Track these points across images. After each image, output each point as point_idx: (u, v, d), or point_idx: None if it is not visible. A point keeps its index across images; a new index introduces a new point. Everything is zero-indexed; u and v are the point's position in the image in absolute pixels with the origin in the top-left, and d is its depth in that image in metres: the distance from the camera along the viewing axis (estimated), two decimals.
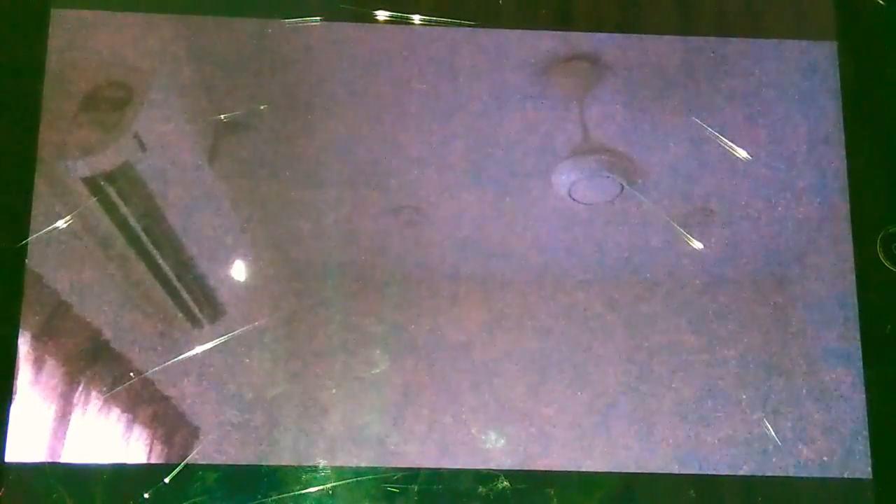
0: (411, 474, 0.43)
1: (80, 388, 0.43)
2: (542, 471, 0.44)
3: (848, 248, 0.47)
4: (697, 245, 0.47)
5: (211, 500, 0.43)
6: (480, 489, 0.43)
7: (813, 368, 0.45)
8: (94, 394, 0.43)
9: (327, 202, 0.46)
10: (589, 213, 0.47)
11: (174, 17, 0.48)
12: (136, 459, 0.43)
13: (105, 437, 0.43)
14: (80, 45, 0.47)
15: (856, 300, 0.46)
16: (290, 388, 0.44)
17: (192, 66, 0.47)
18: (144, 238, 0.45)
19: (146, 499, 0.42)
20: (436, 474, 0.43)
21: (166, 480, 0.43)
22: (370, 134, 0.47)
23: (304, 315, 0.45)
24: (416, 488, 0.43)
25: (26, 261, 0.44)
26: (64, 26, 0.47)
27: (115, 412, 0.43)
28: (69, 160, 0.45)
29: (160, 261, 0.45)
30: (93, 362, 0.44)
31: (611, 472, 0.44)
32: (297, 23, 0.48)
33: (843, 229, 0.47)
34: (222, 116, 0.47)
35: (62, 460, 0.43)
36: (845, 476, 0.44)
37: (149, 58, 0.47)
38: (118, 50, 0.47)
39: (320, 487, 0.43)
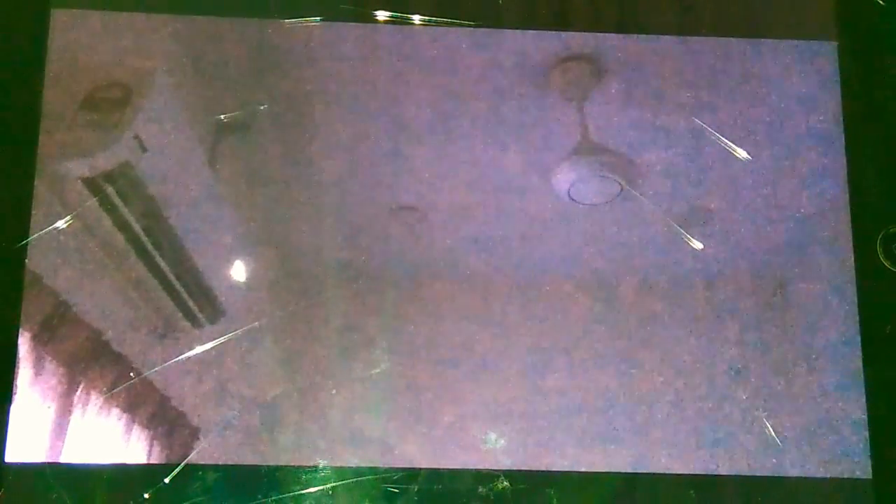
0: (411, 474, 0.43)
1: (80, 388, 0.43)
2: (542, 471, 0.44)
3: (848, 248, 0.47)
4: (697, 245, 0.47)
5: (211, 500, 0.43)
6: (480, 489, 0.43)
7: (813, 368, 0.45)
8: (94, 394, 0.43)
9: (327, 202, 0.46)
10: (589, 214, 0.47)
11: (174, 17, 0.48)
12: (136, 459, 0.43)
13: (105, 437, 0.43)
14: (80, 45, 0.47)
15: (856, 300, 0.46)
16: (290, 388, 0.44)
17: (192, 66, 0.47)
18: (144, 238, 0.45)
19: (146, 499, 0.42)
20: (436, 474, 0.43)
21: (166, 480, 0.43)
22: (370, 134, 0.47)
23: (304, 315, 0.45)
24: (416, 488, 0.43)
25: (26, 261, 0.44)
26: (64, 26, 0.47)
27: (115, 412, 0.43)
28: (69, 160, 0.45)
29: (160, 261, 0.45)
30: (93, 362, 0.44)
31: (611, 472, 0.44)
32: (297, 23, 0.48)
33: (843, 229, 0.47)
34: (222, 116, 0.47)
35: (62, 460, 0.43)
36: (845, 476, 0.44)
37: (149, 58, 0.47)
38: (118, 50, 0.47)
39: (320, 487, 0.43)
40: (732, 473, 0.44)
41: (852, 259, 0.46)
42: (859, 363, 0.45)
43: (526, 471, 0.44)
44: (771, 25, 0.49)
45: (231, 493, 0.43)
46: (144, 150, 0.46)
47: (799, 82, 0.48)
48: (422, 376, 0.45)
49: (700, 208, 0.47)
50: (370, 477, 0.43)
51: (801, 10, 0.49)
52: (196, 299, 0.45)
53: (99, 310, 0.44)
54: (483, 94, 0.48)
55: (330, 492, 0.43)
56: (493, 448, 0.44)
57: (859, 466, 0.44)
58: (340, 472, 0.43)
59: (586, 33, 0.49)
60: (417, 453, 0.44)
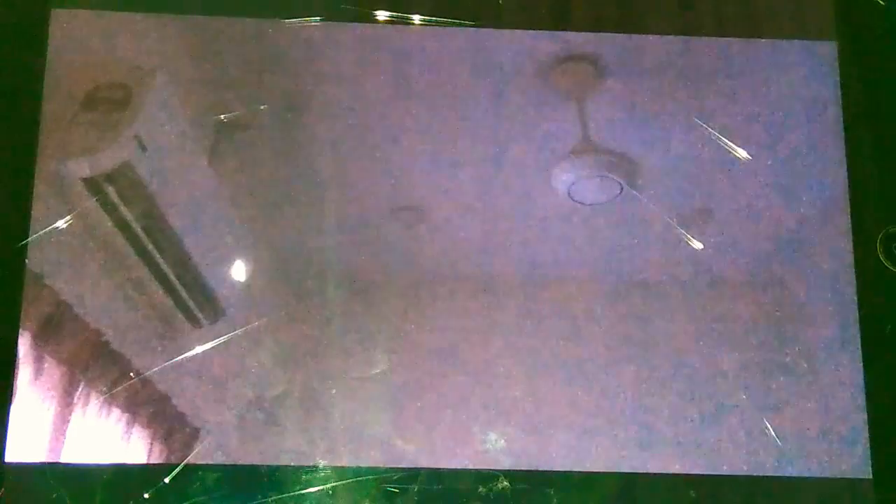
0: (411, 474, 0.43)
1: (80, 388, 0.43)
2: (542, 471, 0.44)
3: (848, 248, 0.47)
4: (697, 245, 0.47)
5: (211, 500, 0.43)
6: (480, 489, 0.43)
7: (813, 368, 0.45)
8: (94, 394, 0.43)
9: (327, 202, 0.46)
10: (589, 213, 0.47)
11: (174, 16, 0.48)
12: (136, 459, 0.43)
13: (105, 437, 0.43)
14: (80, 45, 0.47)
15: (856, 300, 0.46)
16: (290, 388, 0.44)
17: (193, 66, 0.47)
18: (144, 238, 0.45)
19: (146, 499, 0.42)
20: (436, 474, 0.43)
21: (166, 480, 0.43)
22: (370, 134, 0.47)
23: (304, 315, 0.45)
24: (416, 488, 0.43)
25: (26, 261, 0.44)
26: (64, 26, 0.47)
27: (115, 412, 0.43)
28: (69, 160, 0.45)
29: (160, 261, 0.45)
30: (93, 362, 0.44)
31: (611, 472, 0.44)
32: (297, 23, 0.48)
33: (843, 229, 0.47)
34: (222, 116, 0.47)
35: (62, 460, 0.43)
36: (845, 476, 0.44)
37: (149, 58, 0.47)
38: (118, 50, 0.47)
39: (320, 487, 0.43)
40: (732, 473, 0.44)
41: (852, 259, 0.46)
42: (859, 363, 0.45)
43: (526, 471, 0.44)
44: (771, 25, 0.49)
45: (231, 493, 0.43)
46: (144, 150, 0.46)
47: (799, 82, 0.48)
48: (422, 376, 0.45)
49: (700, 208, 0.47)
50: (370, 477, 0.43)
51: (801, 10, 0.50)
52: (196, 299, 0.45)
53: (99, 310, 0.44)
54: (483, 94, 0.48)
55: (330, 492, 0.43)
56: (493, 448, 0.44)
57: (859, 466, 0.44)
58: (340, 472, 0.43)
59: (586, 33, 0.49)
60: (417, 453, 0.44)
